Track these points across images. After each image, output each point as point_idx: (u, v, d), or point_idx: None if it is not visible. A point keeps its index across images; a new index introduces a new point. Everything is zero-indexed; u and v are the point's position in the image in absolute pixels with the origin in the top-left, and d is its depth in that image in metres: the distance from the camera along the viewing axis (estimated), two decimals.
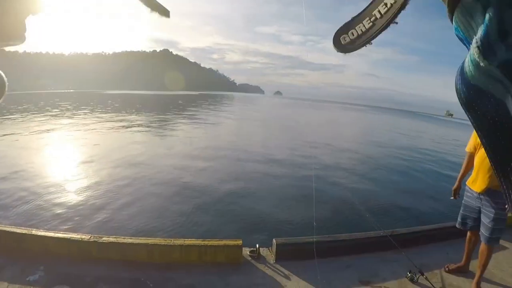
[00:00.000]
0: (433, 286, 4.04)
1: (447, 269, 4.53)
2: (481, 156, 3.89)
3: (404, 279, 4.21)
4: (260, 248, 4.42)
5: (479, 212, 3.99)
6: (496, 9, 0.34)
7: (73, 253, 3.91)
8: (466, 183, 4.17)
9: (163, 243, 4.07)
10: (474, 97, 0.42)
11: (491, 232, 3.82)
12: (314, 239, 4.35)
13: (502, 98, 0.38)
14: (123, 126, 22.43)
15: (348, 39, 0.70)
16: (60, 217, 6.83)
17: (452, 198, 4.44)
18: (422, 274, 4.16)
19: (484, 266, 3.99)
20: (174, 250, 4.04)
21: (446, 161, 19.25)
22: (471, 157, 4.14)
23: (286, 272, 4.09)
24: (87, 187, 8.91)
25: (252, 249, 4.39)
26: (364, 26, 0.67)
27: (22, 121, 23.53)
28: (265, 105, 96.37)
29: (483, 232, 3.91)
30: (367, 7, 0.67)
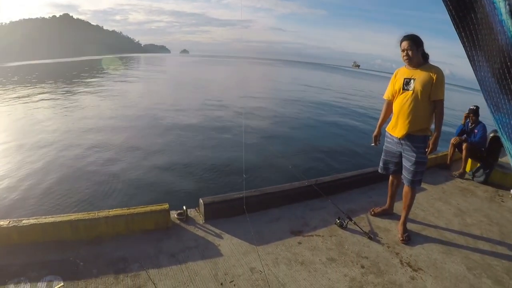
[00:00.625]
0: (361, 229, 4.29)
1: (372, 212, 4.85)
2: (399, 102, 4.04)
3: (333, 225, 4.44)
4: (188, 210, 4.41)
5: (400, 156, 4.24)
6: None
7: None
8: (386, 129, 4.38)
9: (87, 217, 3.86)
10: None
11: (413, 174, 4.08)
12: (243, 195, 4.38)
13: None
14: (24, 101, 20.89)
15: None
16: None
17: (373, 144, 4.60)
18: (350, 219, 4.38)
19: (409, 207, 4.31)
20: (99, 222, 3.87)
21: (357, 112, 20.11)
22: (389, 104, 4.32)
23: (217, 231, 4.14)
24: None
25: (179, 211, 4.37)
26: None
27: None
28: (172, 64, 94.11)
29: (405, 175, 4.17)
30: None
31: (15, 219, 3.73)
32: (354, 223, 4.36)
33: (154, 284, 3.11)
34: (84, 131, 12.33)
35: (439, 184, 6.31)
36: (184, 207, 4.35)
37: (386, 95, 4.35)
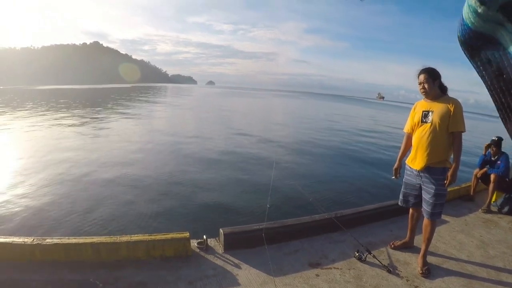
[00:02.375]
0: (380, 263, 4.23)
1: (392, 246, 4.78)
2: (418, 135, 4.08)
3: (352, 258, 4.39)
4: (208, 239, 4.45)
5: (420, 189, 4.22)
6: None
7: (16, 257, 3.71)
8: (406, 161, 4.40)
9: (109, 241, 3.96)
10: (477, 43, 0.43)
11: (433, 207, 4.04)
12: (263, 226, 4.41)
13: (506, 44, 0.38)
14: (52, 124, 21.40)
15: None
16: None
17: (394, 177, 4.60)
18: (370, 253, 4.34)
19: (429, 240, 4.25)
20: (120, 247, 3.96)
21: (383, 144, 19.97)
22: (409, 137, 4.35)
23: (236, 261, 4.15)
24: (17, 188, 8.52)
25: (199, 240, 4.41)
26: None
27: None
28: (199, 95, 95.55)
29: (425, 207, 4.14)
30: None
31: (39, 237, 3.85)
32: (373, 256, 4.31)
33: None
34: (111, 156, 12.62)
35: (461, 216, 6.16)
36: (205, 236, 4.40)
37: (406, 128, 4.40)
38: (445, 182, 3.95)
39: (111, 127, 20.50)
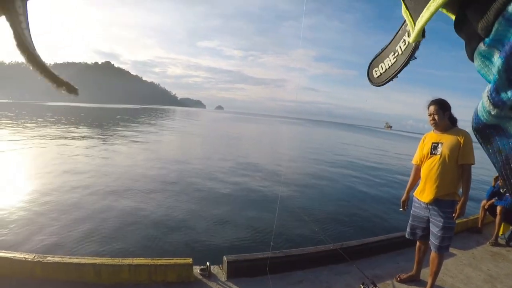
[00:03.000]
0: None
1: (398, 279, 4.69)
2: (427, 167, 4.03)
3: None
4: (211, 266, 4.38)
5: (428, 221, 4.15)
6: (505, 57, 0.33)
7: (16, 273, 3.67)
8: (414, 194, 4.32)
9: (111, 263, 3.92)
10: (489, 133, 0.41)
11: (441, 240, 3.97)
12: (267, 255, 4.36)
13: None
14: (62, 144, 21.48)
15: (379, 72, 0.71)
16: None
17: (401, 210, 4.54)
18: (375, 285, 4.23)
19: (436, 274, 4.16)
20: (122, 269, 3.92)
21: (390, 175, 19.88)
22: (418, 169, 4.30)
23: None
24: (23, 206, 8.48)
25: (202, 267, 4.34)
26: (390, 60, 0.67)
27: None
28: (207, 119, 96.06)
29: (433, 241, 4.06)
30: (391, 40, 0.67)
31: (40, 255, 3.83)
32: None
33: None
34: (117, 177, 12.60)
35: (469, 249, 6.02)
36: (208, 263, 4.32)
37: (415, 160, 4.34)
38: (454, 215, 3.89)
39: (118, 149, 20.51)
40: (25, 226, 7.12)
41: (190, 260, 4.16)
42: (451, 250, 5.61)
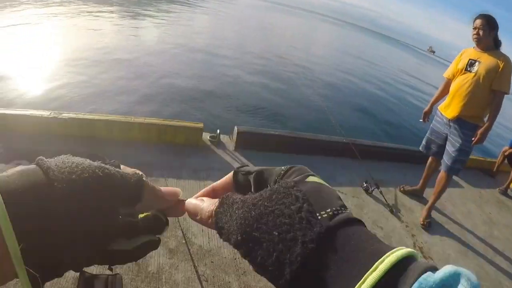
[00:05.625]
0: (386, 201, 4.15)
1: (402, 189, 4.66)
2: (458, 83, 3.81)
3: (359, 188, 4.32)
4: (221, 135, 4.40)
5: (445, 139, 4.01)
6: None
7: (32, 129, 3.71)
8: (438, 107, 4.15)
9: (123, 120, 3.96)
10: None
11: (454, 161, 3.85)
12: (279, 133, 4.36)
13: None
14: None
15: None
16: (19, 95, 6.64)
17: (421, 120, 4.41)
18: (378, 187, 4.24)
19: (439, 194, 4.08)
20: (133, 127, 3.96)
21: (418, 93, 19.56)
22: (448, 83, 4.06)
23: (245, 160, 4.13)
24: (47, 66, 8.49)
25: (212, 134, 4.36)
26: None
27: None
28: (244, 5, 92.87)
29: (446, 160, 3.95)
30: None
31: (55, 111, 3.84)
32: (380, 192, 4.18)
33: None
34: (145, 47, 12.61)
35: (477, 188, 5.84)
36: (218, 131, 4.33)
37: (447, 73, 4.08)
38: (474, 139, 3.72)
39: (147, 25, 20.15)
40: (45, 84, 7.21)
41: (201, 125, 4.19)
42: (460, 182, 5.53)
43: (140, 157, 3.67)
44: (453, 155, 3.85)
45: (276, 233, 0.34)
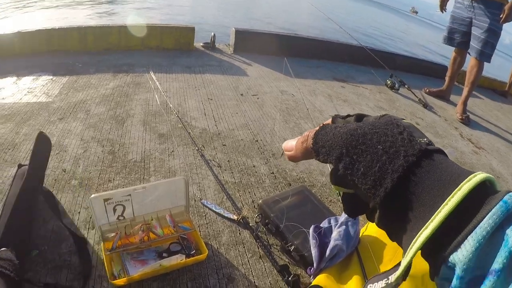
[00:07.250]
0: (416, 96, 3.66)
1: (427, 91, 4.10)
2: None
3: (383, 85, 3.81)
4: (216, 43, 3.80)
5: (470, 24, 3.52)
6: None
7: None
8: None
9: (99, 26, 3.35)
10: None
11: (484, 44, 3.38)
12: (284, 33, 3.89)
13: None
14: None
15: None
16: None
17: (438, 11, 3.93)
18: (404, 84, 3.72)
19: (472, 84, 3.59)
20: (111, 32, 3.30)
21: None
22: None
23: (247, 60, 3.57)
24: None
25: (205, 41, 3.76)
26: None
27: None
28: None
29: (474, 45, 3.46)
30: None
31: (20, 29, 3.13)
32: (408, 88, 3.68)
33: (156, 81, 2.58)
34: None
35: (496, 102, 5.39)
36: (213, 33, 3.69)
37: None
38: (502, 16, 3.25)
39: None
40: None
41: (192, 26, 3.57)
42: (478, 94, 5.06)
43: (118, 60, 3.07)
44: (482, 37, 3.38)
45: (381, 147, 0.35)
